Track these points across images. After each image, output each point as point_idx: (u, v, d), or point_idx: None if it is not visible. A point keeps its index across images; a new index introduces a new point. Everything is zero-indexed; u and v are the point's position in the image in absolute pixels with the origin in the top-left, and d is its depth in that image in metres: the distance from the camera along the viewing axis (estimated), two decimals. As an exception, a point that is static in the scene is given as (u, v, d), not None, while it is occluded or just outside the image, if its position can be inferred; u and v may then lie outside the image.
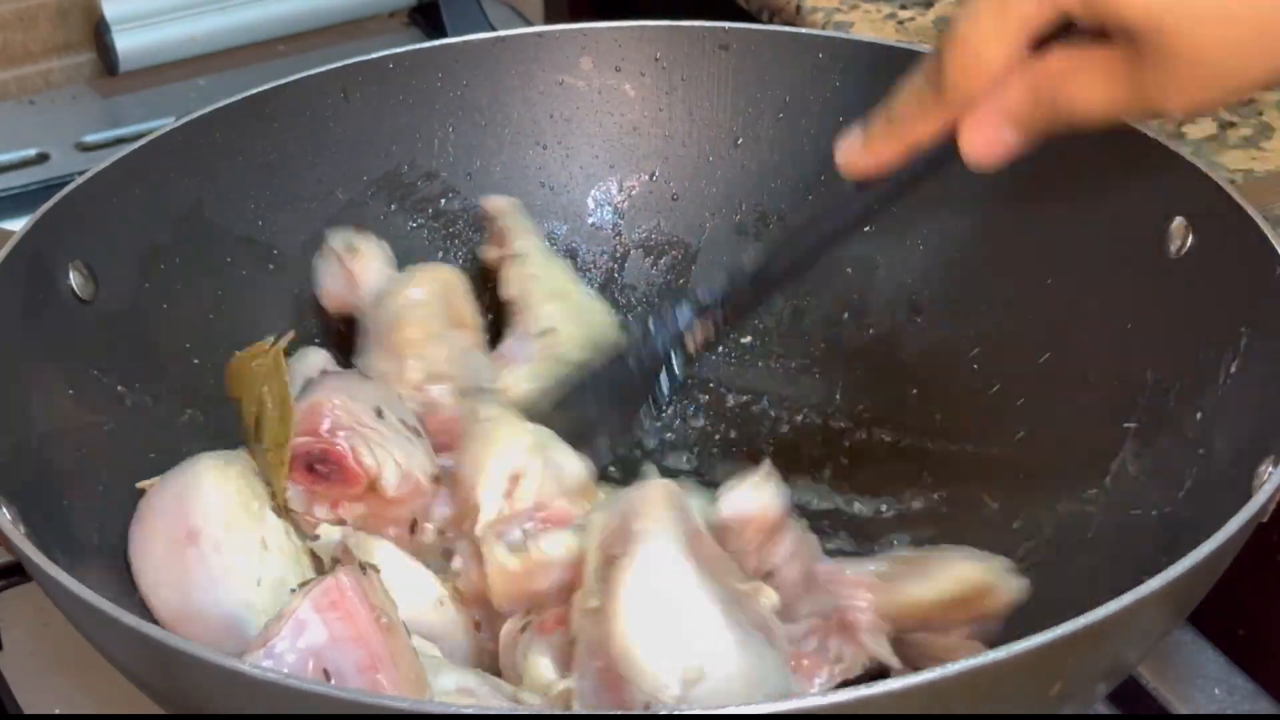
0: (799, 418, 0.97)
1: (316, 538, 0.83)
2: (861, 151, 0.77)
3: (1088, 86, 0.69)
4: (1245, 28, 0.66)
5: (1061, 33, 0.69)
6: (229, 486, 0.81)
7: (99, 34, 1.28)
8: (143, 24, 1.29)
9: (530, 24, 1.35)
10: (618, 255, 1.02)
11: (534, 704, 0.75)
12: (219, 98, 0.94)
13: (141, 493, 0.83)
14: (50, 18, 1.31)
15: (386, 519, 0.84)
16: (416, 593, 0.80)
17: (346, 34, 1.35)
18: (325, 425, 0.83)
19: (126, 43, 1.28)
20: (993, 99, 0.71)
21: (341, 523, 0.83)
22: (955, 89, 0.71)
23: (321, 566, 0.81)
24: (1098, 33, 0.68)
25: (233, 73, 1.31)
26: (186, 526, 0.80)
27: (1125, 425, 0.85)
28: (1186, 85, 0.68)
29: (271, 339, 0.84)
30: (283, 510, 0.82)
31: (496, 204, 0.97)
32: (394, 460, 0.82)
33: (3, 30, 1.30)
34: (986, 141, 0.72)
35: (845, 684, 0.79)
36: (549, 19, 1.48)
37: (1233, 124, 1.08)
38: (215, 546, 0.79)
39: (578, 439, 0.84)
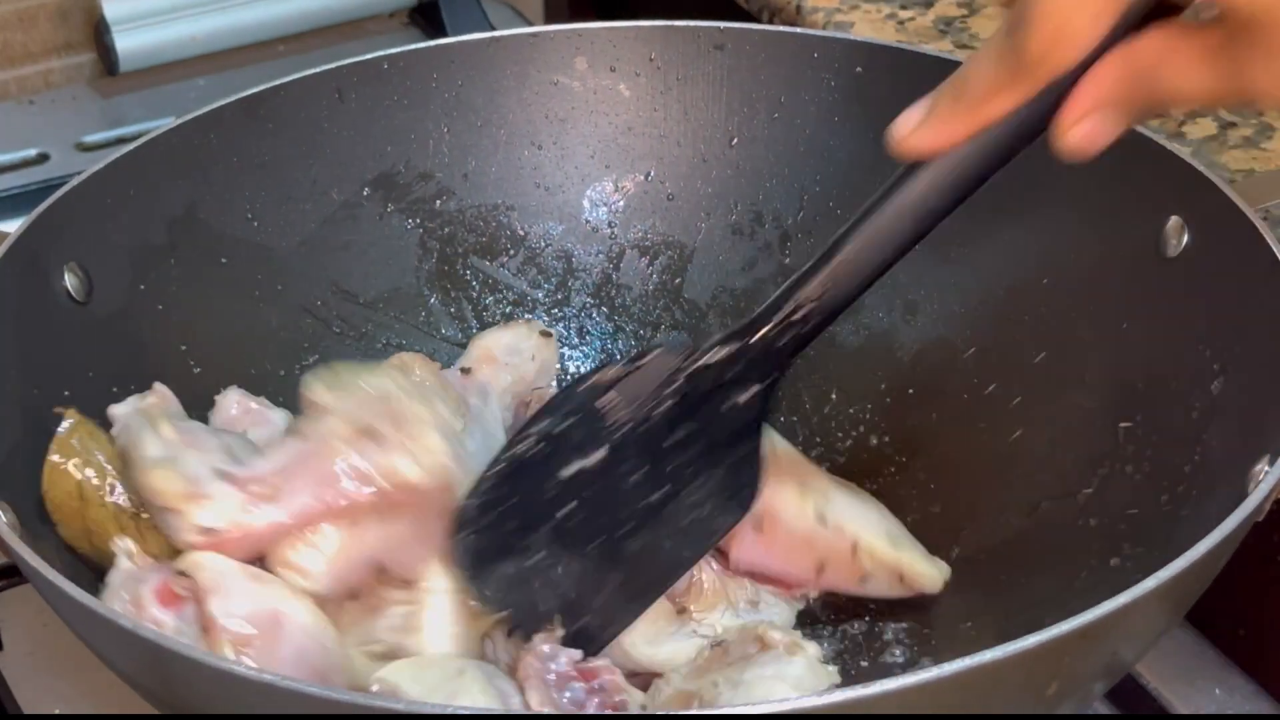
0: (794, 418, 0.97)
1: None
2: (924, 128, 0.70)
3: (1186, 71, 0.64)
4: None
5: (1158, 12, 0.65)
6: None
7: (99, 34, 1.28)
8: (143, 24, 1.29)
9: (530, 24, 1.35)
10: (613, 255, 1.02)
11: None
12: (219, 98, 0.94)
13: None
14: (50, 18, 1.31)
15: None
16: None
17: (346, 34, 1.35)
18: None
19: (126, 43, 1.28)
20: (1088, 84, 0.66)
21: None
22: (1039, 63, 0.65)
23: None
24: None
25: (233, 73, 1.31)
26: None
27: (1121, 425, 0.85)
28: None
29: (66, 421, 0.80)
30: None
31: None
32: None
33: (3, 30, 1.30)
34: (1087, 132, 0.67)
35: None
36: (549, 19, 1.48)
37: (1233, 124, 1.08)
38: None
39: None
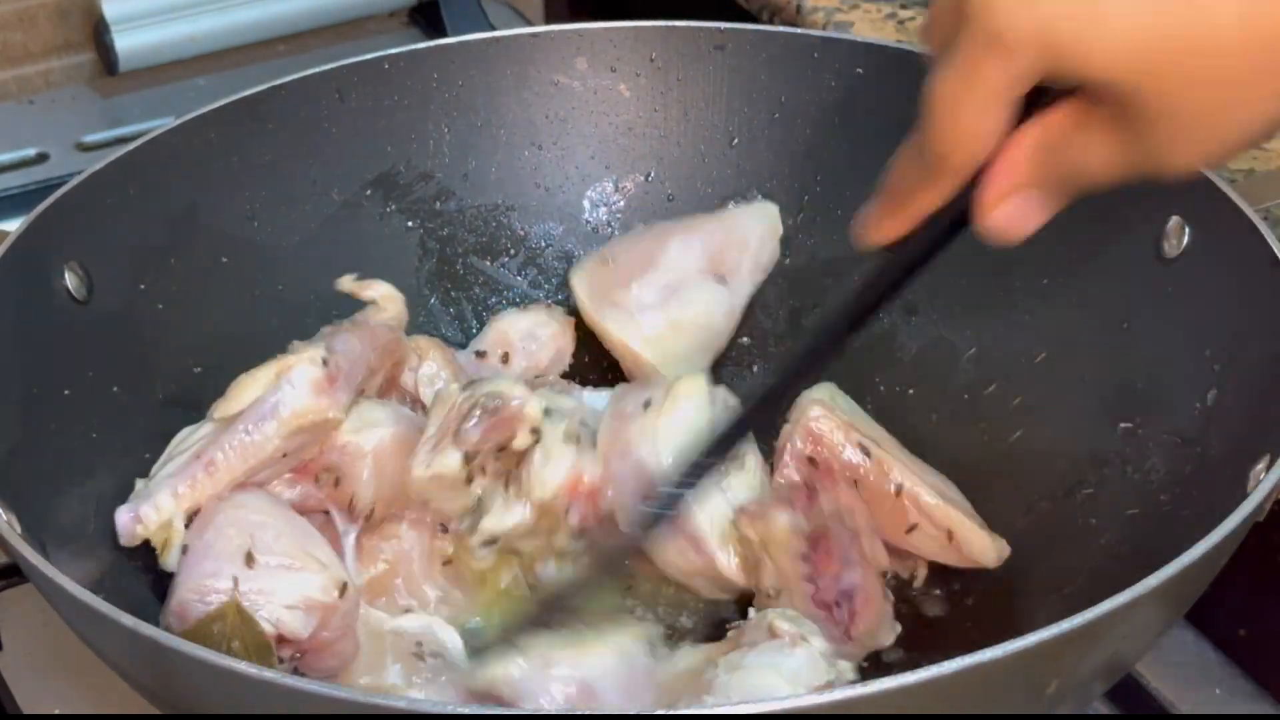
0: (795, 417, 0.97)
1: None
2: (871, 228, 0.69)
3: (1090, 146, 0.63)
4: (1221, 90, 0.61)
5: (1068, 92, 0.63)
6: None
7: (99, 34, 1.28)
8: (143, 24, 1.29)
9: (530, 24, 1.35)
10: (614, 256, 1.02)
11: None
12: (219, 98, 0.94)
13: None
14: (50, 18, 1.31)
15: None
16: None
17: (346, 34, 1.35)
18: None
19: (126, 43, 1.28)
20: (1001, 166, 0.64)
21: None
22: (945, 160, 0.64)
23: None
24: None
25: (232, 72, 1.31)
26: None
27: (1121, 425, 0.85)
28: (1182, 144, 0.62)
29: (229, 599, 0.79)
30: None
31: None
32: None
33: (3, 30, 1.30)
34: (1008, 215, 0.65)
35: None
36: (549, 19, 1.48)
37: (1232, 122, 1.08)
38: None
39: None
